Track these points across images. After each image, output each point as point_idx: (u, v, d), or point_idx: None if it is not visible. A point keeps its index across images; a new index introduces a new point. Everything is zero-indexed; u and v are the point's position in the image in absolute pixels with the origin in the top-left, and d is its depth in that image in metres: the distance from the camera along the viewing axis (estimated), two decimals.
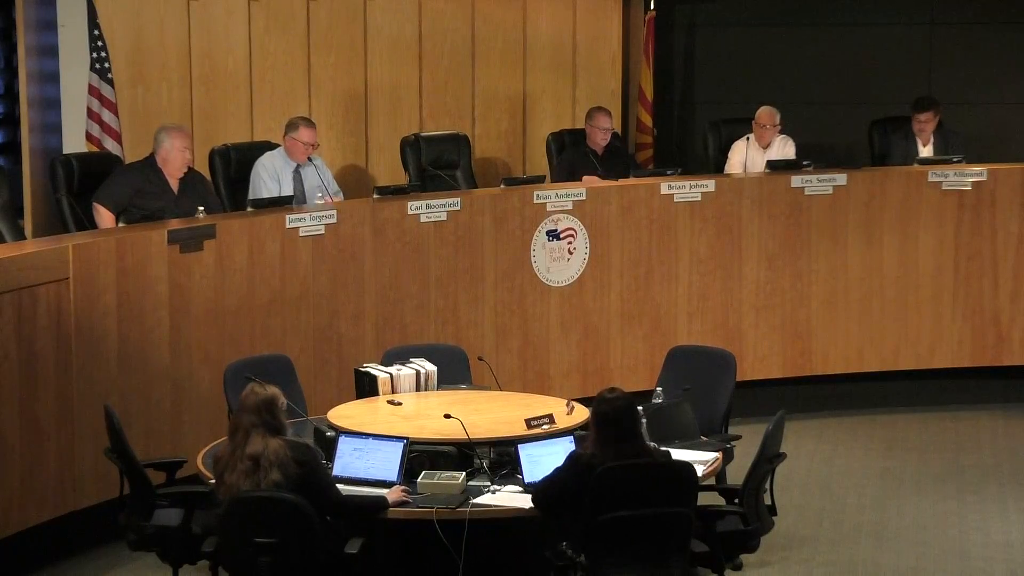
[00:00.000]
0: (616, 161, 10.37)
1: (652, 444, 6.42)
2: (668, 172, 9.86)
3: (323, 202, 8.93)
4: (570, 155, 10.48)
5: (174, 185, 8.80)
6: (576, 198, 9.38)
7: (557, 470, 5.99)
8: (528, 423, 6.54)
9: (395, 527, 6.21)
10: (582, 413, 6.64)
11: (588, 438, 6.04)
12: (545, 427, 6.55)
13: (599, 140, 10.42)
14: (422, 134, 10.59)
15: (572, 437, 6.37)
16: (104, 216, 8.68)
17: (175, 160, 8.75)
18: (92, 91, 9.80)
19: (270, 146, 9.62)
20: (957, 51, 11.64)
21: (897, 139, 10.65)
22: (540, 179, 9.90)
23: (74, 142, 9.94)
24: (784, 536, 7.53)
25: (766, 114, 10.50)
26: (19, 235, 8.66)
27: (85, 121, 9.85)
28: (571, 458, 5.97)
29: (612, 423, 5.92)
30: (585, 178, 9.99)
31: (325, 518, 5.94)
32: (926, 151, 10.52)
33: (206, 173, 9.46)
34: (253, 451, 5.84)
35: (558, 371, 9.34)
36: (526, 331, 9.24)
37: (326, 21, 10.70)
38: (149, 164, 8.84)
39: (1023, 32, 11.58)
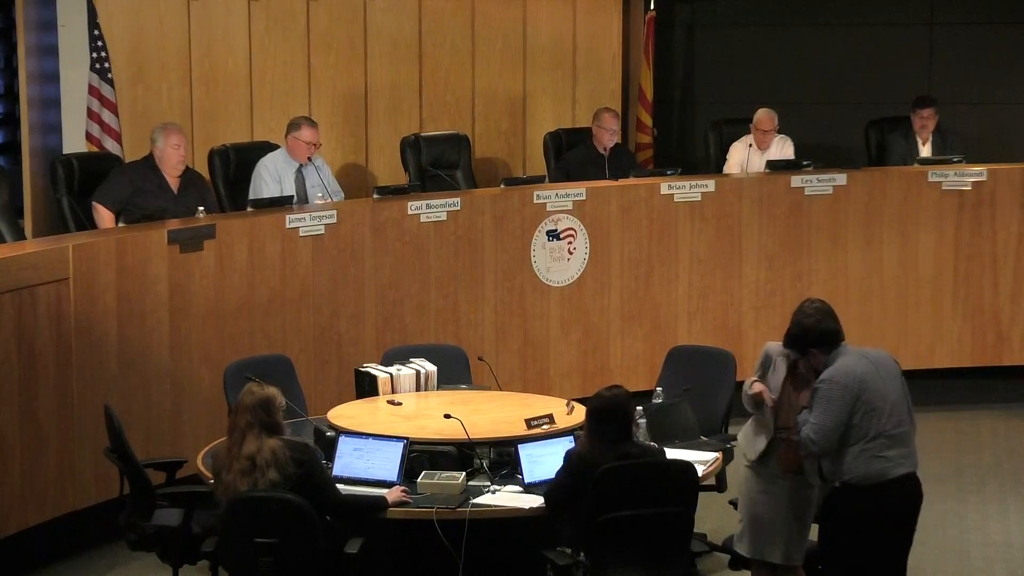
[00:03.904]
0: (622, 162, 10.37)
1: (651, 444, 6.44)
2: (668, 172, 9.86)
3: (323, 202, 8.93)
4: (576, 155, 10.47)
5: (173, 184, 8.81)
6: (576, 198, 9.38)
7: (559, 471, 5.99)
8: (528, 423, 6.55)
9: (395, 527, 6.22)
10: (582, 413, 6.64)
11: (583, 435, 6.04)
12: (545, 427, 6.55)
13: (606, 141, 10.39)
14: (422, 134, 10.59)
15: (572, 437, 6.37)
16: (104, 216, 8.69)
17: (169, 158, 8.77)
18: (92, 91, 9.80)
19: (270, 146, 9.62)
20: (957, 51, 11.64)
21: (896, 138, 10.65)
22: (540, 179, 9.91)
23: (74, 142, 9.93)
24: None
25: (765, 118, 10.47)
26: (19, 235, 8.65)
27: (85, 121, 9.84)
28: (569, 457, 5.98)
29: (605, 420, 5.93)
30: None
31: (325, 518, 5.95)
32: (925, 150, 10.52)
33: (205, 173, 9.47)
34: (249, 451, 5.85)
35: (558, 371, 9.34)
36: (526, 331, 9.24)
37: (326, 21, 10.70)
38: (147, 164, 8.86)
39: (1023, 32, 11.58)
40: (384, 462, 6.30)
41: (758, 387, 6.16)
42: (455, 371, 7.64)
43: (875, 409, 5.84)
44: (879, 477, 5.85)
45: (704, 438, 6.98)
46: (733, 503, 6.52)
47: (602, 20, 11.43)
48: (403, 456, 6.30)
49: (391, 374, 7.26)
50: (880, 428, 5.84)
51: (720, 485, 6.90)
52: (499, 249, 9.14)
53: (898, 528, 5.93)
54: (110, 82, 9.86)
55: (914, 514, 5.98)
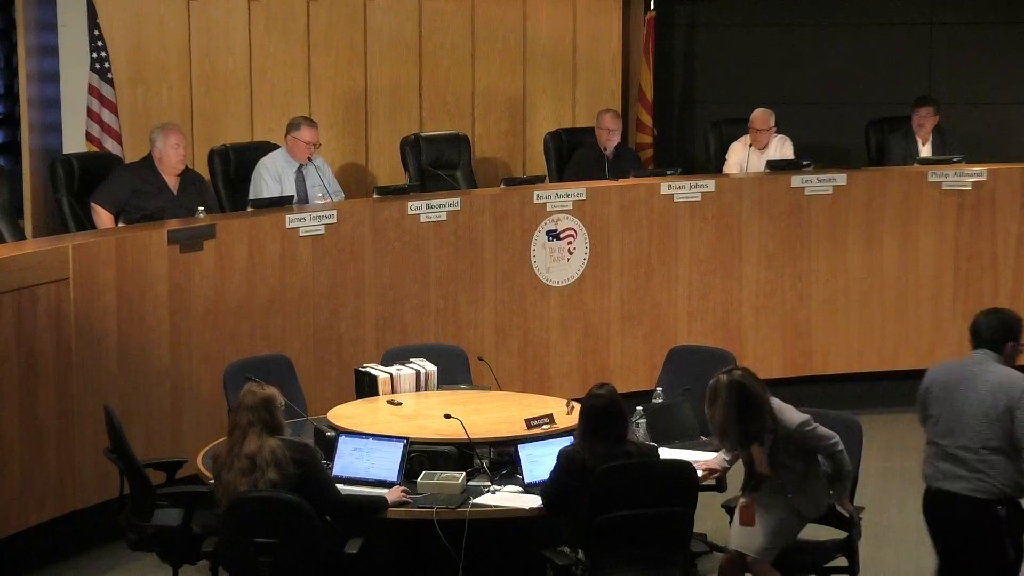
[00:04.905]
0: (625, 163, 10.37)
1: (646, 442, 6.45)
2: (668, 172, 9.86)
3: (323, 202, 8.93)
4: (581, 156, 10.48)
5: (172, 184, 8.81)
6: (576, 198, 9.38)
7: (554, 471, 6.00)
8: (528, 423, 6.55)
9: (395, 527, 6.22)
10: None
11: (577, 434, 6.06)
12: (545, 427, 6.55)
13: (604, 141, 10.40)
14: (422, 134, 10.59)
15: (572, 437, 6.37)
16: (102, 216, 8.69)
17: (169, 158, 8.78)
18: (92, 91, 9.81)
19: (270, 146, 9.62)
20: (957, 51, 11.64)
21: (896, 138, 10.65)
22: (540, 179, 9.91)
23: (74, 142, 9.94)
24: None
25: (760, 118, 10.48)
26: (19, 235, 8.66)
27: (85, 121, 9.85)
28: (563, 456, 5.98)
29: (603, 419, 5.94)
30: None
31: (325, 518, 5.95)
32: (925, 150, 10.53)
33: (205, 173, 9.47)
34: (249, 450, 5.86)
35: (558, 371, 9.34)
36: (526, 331, 9.24)
37: (326, 21, 10.70)
38: (146, 164, 8.86)
39: (1023, 32, 11.58)
40: (384, 462, 6.30)
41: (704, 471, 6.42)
42: (455, 371, 7.65)
43: (931, 417, 5.94)
44: (927, 481, 5.97)
45: (704, 438, 6.98)
46: (725, 506, 6.52)
47: (602, 20, 11.43)
48: (403, 456, 6.30)
49: (391, 374, 7.26)
50: (933, 436, 5.93)
51: (720, 485, 6.89)
52: (499, 249, 9.14)
53: (933, 535, 5.99)
54: (110, 82, 9.86)
55: (941, 533, 5.95)
